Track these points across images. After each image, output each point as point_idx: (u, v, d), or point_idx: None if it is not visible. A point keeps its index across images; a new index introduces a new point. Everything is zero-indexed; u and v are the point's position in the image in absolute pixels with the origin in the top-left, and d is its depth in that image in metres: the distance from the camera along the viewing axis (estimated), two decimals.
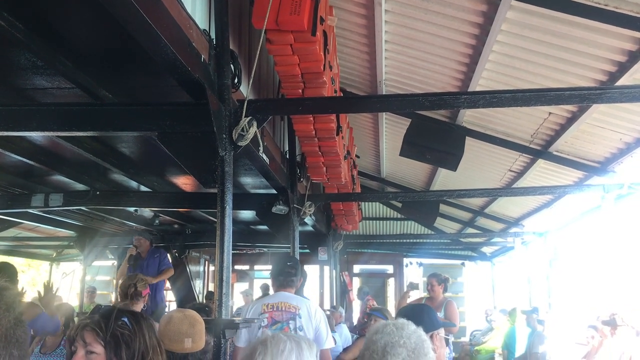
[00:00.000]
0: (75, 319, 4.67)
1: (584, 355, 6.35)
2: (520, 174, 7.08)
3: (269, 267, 4.52)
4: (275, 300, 4.04)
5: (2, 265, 4.12)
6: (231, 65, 3.47)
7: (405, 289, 8.33)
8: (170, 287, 10.81)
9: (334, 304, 9.59)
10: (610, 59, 4.13)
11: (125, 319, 1.81)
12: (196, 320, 2.90)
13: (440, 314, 6.09)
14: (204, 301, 10.41)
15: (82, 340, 1.75)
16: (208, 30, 3.31)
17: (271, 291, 4.50)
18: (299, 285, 4.33)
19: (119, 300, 4.73)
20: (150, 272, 7.09)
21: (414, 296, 7.94)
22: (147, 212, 8.52)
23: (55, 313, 4.32)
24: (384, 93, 6.01)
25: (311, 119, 4.61)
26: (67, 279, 10.09)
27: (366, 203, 12.19)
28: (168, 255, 8.17)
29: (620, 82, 4.17)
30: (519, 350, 9.34)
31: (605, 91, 3.32)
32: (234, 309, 9.98)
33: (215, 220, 3.27)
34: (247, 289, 12.41)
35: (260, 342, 1.60)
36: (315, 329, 3.95)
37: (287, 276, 4.10)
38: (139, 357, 1.76)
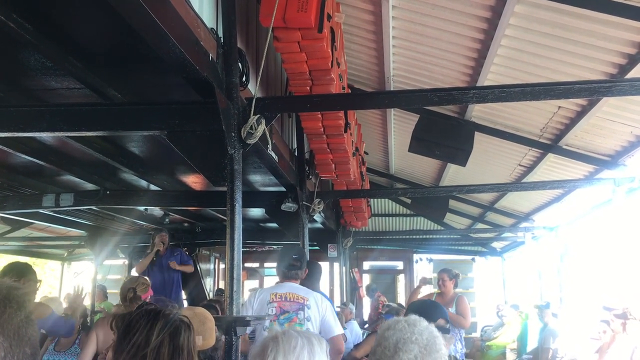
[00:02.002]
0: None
1: (596, 350, 6.31)
2: (530, 169, 7.04)
3: None
4: (283, 291, 4.12)
5: (14, 265, 4.08)
6: (239, 64, 3.47)
7: (417, 284, 8.31)
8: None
9: (344, 300, 9.58)
10: (620, 51, 4.09)
11: (142, 318, 1.81)
12: (206, 318, 2.91)
13: (451, 309, 6.08)
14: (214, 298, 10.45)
15: None
16: (215, 29, 3.32)
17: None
18: (304, 276, 4.40)
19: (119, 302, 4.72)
20: (170, 270, 7.32)
21: (424, 292, 7.92)
22: (157, 210, 8.55)
23: (75, 317, 4.33)
24: (391, 89, 5.99)
25: (319, 116, 4.61)
26: (79, 278, 10.14)
27: (375, 199, 12.17)
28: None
29: (631, 75, 4.14)
30: (531, 344, 9.30)
31: (616, 84, 3.29)
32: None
33: (225, 218, 3.28)
34: (257, 287, 12.44)
35: (271, 338, 1.60)
36: (322, 319, 4.05)
37: (292, 269, 4.24)
38: (133, 351, 1.71)
